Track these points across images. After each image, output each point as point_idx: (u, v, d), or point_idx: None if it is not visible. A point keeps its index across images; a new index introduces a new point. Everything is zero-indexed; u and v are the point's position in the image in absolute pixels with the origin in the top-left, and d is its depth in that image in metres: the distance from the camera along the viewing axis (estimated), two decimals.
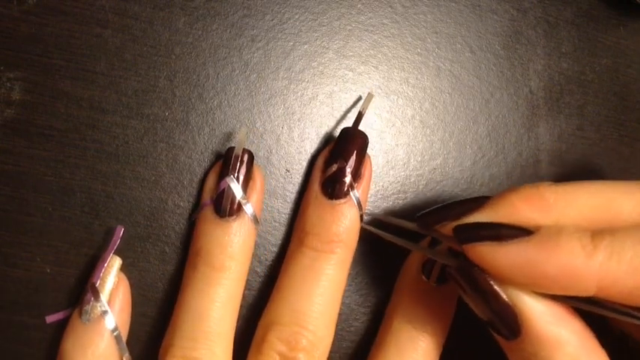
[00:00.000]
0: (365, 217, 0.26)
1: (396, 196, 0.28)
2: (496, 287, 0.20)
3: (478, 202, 0.21)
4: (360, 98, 0.27)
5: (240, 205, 0.24)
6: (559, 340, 0.19)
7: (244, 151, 0.24)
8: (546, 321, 0.19)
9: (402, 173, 0.28)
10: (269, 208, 0.26)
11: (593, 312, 0.20)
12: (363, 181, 0.25)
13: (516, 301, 0.20)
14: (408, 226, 0.24)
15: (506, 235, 0.19)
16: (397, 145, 0.28)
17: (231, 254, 0.24)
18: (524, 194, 0.20)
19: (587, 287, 0.19)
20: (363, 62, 0.28)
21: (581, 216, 0.20)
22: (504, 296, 0.20)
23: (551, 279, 0.19)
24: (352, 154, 0.25)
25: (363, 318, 0.27)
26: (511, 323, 0.20)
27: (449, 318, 0.25)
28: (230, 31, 0.27)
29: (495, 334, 0.21)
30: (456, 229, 0.21)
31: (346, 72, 0.27)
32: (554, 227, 0.19)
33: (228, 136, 0.26)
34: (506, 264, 0.19)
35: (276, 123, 0.27)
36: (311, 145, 0.27)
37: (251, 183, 0.25)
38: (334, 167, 0.25)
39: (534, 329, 0.19)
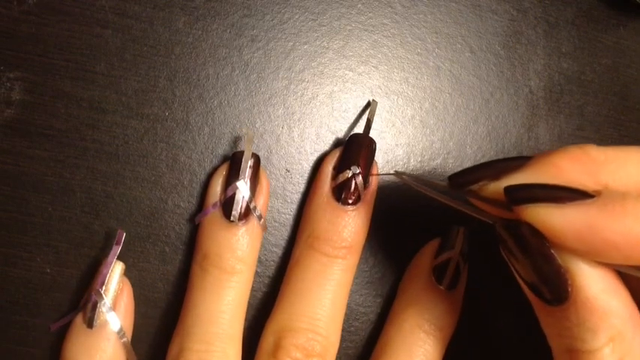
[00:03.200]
0: (394, 177, 0.24)
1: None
2: (552, 250, 0.18)
3: (518, 162, 0.19)
4: (368, 104, 0.27)
5: (249, 209, 0.24)
6: (607, 311, 0.18)
7: (252, 155, 0.24)
8: (599, 289, 0.18)
9: None
10: (269, 209, 0.26)
11: None
12: (372, 187, 0.25)
13: (570, 265, 0.18)
14: (439, 186, 0.22)
15: (565, 198, 0.17)
16: (397, 145, 0.28)
17: (241, 257, 0.24)
18: (569, 154, 0.19)
19: None
20: (363, 62, 0.28)
21: (632, 180, 0.18)
22: (559, 259, 0.18)
23: (614, 246, 0.17)
24: (364, 161, 0.25)
25: (363, 318, 0.27)
26: (560, 288, 0.18)
27: (455, 322, 0.25)
28: (230, 31, 0.27)
29: (534, 297, 0.19)
30: (508, 189, 0.19)
31: (346, 72, 0.27)
32: (617, 191, 0.18)
33: (228, 136, 0.26)
34: (567, 228, 0.17)
35: (276, 123, 0.27)
36: (311, 145, 0.27)
37: (258, 187, 0.25)
38: (349, 173, 0.24)
39: (585, 297, 0.18)
